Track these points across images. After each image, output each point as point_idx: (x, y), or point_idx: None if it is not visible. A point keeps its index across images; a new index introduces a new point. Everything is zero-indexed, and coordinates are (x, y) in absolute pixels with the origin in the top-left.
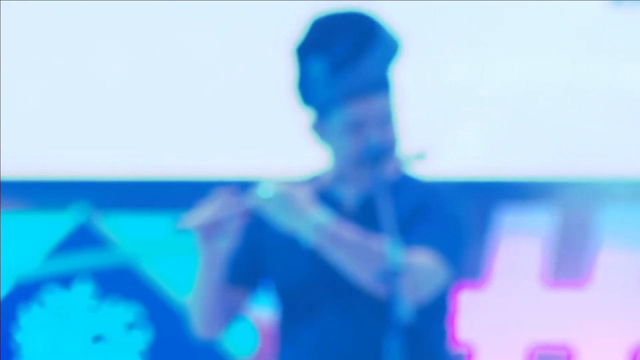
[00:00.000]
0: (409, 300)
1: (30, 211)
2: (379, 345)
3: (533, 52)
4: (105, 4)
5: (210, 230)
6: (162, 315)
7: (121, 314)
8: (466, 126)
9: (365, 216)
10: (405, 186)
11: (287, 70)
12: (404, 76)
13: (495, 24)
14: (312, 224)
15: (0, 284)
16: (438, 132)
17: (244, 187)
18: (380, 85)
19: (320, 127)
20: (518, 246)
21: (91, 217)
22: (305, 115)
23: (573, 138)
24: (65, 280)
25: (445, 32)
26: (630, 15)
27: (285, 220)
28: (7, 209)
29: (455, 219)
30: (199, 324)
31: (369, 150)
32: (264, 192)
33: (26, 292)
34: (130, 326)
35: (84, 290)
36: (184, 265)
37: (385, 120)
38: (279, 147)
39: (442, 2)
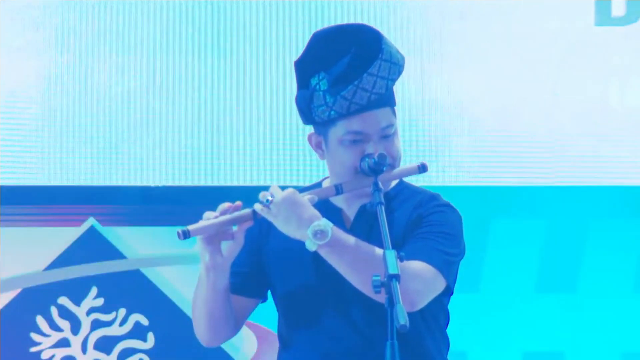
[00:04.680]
0: (405, 306)
1: (35, 219)
2: (378, 350)
3: (524, 70)
4: (111, 17)
5: (213, 238)
6: (167, 323)
7: (125, 321)
8: (461, 138)
9: (363, 226)
10: (403, 196)
11: (289, 84)
12: (404, 90)
13: (488, 43)
14: (314, 230)
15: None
16: (435, 144)
17: (247, 194)
18: (381, 101)
19: (321, 140)
20: (512, 253)
21: (96, 225)
22: (306, 127)
23: (563, 149)
24: (70, 288)
25: (442, 50)
26: (613, 35)
27: (288, 227)
28: (13, 216)
29: (451, 227)
30: (202, 331)
31: (369, 163)
32: (267, 199)
33: (31, 299)
34: (135, 333)
35: (88, 298)
36: (188, 273)
37: (385, 133)
38: (281, 157)
39: (439, 22)
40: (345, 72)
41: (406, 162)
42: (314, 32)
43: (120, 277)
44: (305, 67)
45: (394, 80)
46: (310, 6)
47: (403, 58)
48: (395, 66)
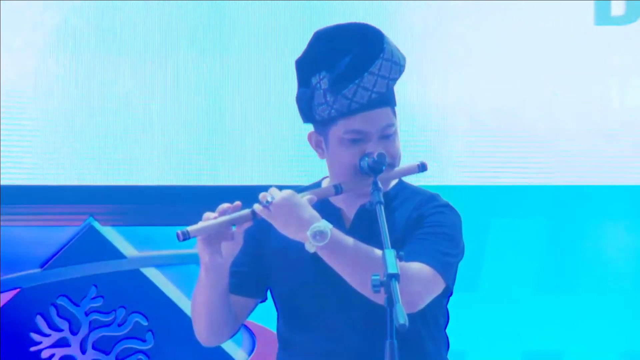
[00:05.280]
0: (405, 307)
1: (34, 219)
2: (378, 350)
3: (523, 69)
4: (110, 17)
5: (212, 239)
6: (166, 323)
7: (125, 321)
8: (461, 138)
9: (362, 226)
10: (403, 196)
11: (288, 83)
12: (404, 90)
13: (488, 43)
14: (314, 231)
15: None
16: (435, 144)
17: (246, 194)
18: (382, 100)
19: (321, 139)
20: (511, 253)
21: (95, 224)
22: (306, 126)
23: (562, 149)
24: (70, 288)
25: (441, 49)
26: (613, 34)
27: (287, 228)
28: (13, 216)
29: (450, 228)
30: (201, 331)
31: (368, 162)
32: (266, 201)
33: (30, 299)
34: (135, 332)
35: (87, 297)
36: (187, 273)
37: (386, 133)
38: (281, 156)
39: (439, 22)
40: (347, 71)
41: (406, 161)
42: (315, 31)
43: (120, 276)
44: (306, 66)
45: (394, 80)
46: (310, 6)
47: (404, 58)
48: (397, 66)
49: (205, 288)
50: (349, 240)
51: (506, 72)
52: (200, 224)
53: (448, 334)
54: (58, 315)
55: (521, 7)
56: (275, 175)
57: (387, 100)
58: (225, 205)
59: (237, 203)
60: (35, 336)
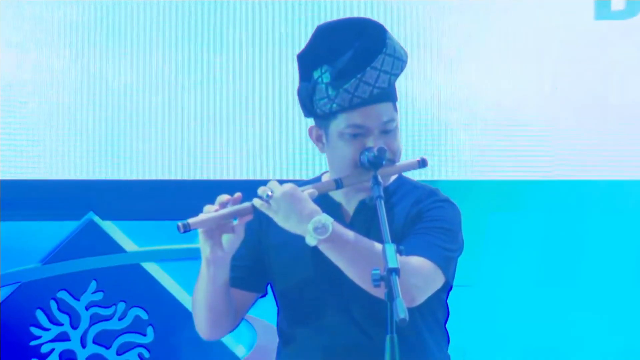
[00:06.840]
0: (405, 301)
1: (34, 213)
2: (378, 345)
3: (523, 64)
4: (111, 12)
5: (213, 231)
6: (166, 317)
7: (125, 315)
8: (460, 133)
9: (362, 220)
10: (402, 191)
11: (291, 77)
12: (404, 85)
13: (488, 38)
14: (315, 225)
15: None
16: (435, 139)
17: (247, 188)
18: (383, 95)
19: (322, 133)
20: (511, 248)
21: (95, 219)
22: (307, 120)
23: (562, 144)
24: (70, 282)
25: (441, 44)
26: (613, 29)
27: (288, 222)
28: (13, 210)
29: (450, 222)
30: (202, 325)
31: (369, 157)
32: (266, 195)
33: (30, 293)
34: (135, 326)
35: (88, 292)
36: (187, 267)
37: (386, 128)
38: (281, 150)
39: (439, 17)
40: (349, 66)
41: (405, 156)
42: (318, 25)
43: (120, 271)
44: (309, 60)
45: (396, 75)
46: (310, 3)
47: (406, 53)
48: (398, 61)
49: (206, 281)
50: (350, 234)
51: (506, 67)
52: (201, 216)
53: (448, 330)
54: (58, 309)
55: (521, 2)
56: (276, 170)
57: (388, 95)
58: (225, 197)
59: (238, 195)
60: (35, 330)
